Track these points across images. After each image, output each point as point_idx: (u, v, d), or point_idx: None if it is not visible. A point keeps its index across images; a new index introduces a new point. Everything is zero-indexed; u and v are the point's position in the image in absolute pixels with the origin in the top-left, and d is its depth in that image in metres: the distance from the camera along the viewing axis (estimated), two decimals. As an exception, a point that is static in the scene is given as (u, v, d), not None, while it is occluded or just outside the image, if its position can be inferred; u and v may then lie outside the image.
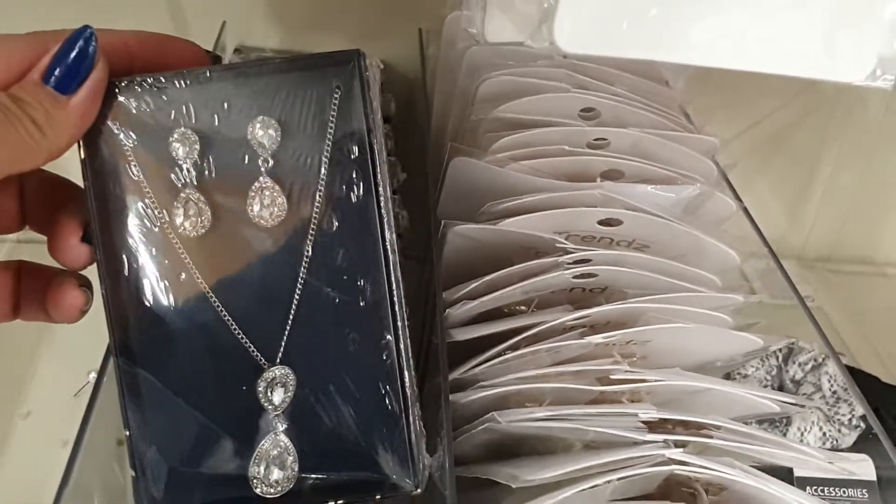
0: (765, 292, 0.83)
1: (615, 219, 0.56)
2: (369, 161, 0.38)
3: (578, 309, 0.52)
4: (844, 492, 0.67)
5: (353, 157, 0.38)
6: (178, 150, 0.38)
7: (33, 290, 0.41)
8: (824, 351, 0.78)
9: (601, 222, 0.56)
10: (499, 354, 0.48)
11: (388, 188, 0.38)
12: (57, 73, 0.36)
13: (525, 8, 0.41)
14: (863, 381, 0.80)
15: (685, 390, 0.48)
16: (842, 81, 0.38)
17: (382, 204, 0.38)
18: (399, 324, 0.39)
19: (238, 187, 0.38)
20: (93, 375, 0.47)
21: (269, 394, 0.39)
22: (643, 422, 0.44)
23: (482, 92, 0.63)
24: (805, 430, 0.70)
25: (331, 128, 0.37)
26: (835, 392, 0.74)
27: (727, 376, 0.76)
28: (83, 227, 0.39)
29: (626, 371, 0.46)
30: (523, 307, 0.57)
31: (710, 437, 0.43)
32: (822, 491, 0.67)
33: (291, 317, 0.39)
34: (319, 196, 0.38)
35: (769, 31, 0.38)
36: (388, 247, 0.38)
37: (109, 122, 0.38)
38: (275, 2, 0.84)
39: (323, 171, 0.38)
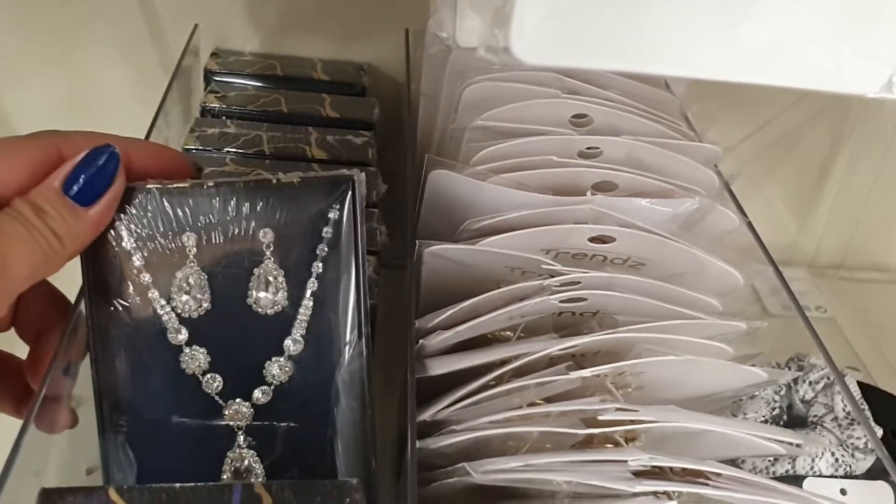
0: (777, 306, 0.78)
1: (608, 236, 0.51)
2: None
3: (566, 336, 0.47)
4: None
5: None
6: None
7: (7, 385, 0.44)
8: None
9: (593, 239, 0.51)
10: (479, 390, 0.44)
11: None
12: (77, 185, 0.38)
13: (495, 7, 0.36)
14: (878, 400, 0.76)
15: (682, 431, 0.44)
16: (853, 93, 0.34)
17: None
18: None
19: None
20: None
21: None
22: (636, 469, 0.40)
23: (466, 98, 0.59)
24: (816, 455, 0.66)
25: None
26: (848, 414, 0.70)
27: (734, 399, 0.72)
28: (67, 362, 0.42)
29: (616, 409, 0.41)
30: (509, 332, 0.52)
31: (708, 484, 0.38)
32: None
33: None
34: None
35: (767, 38, 0.33)
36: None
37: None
38: (253, 3, 0.80)
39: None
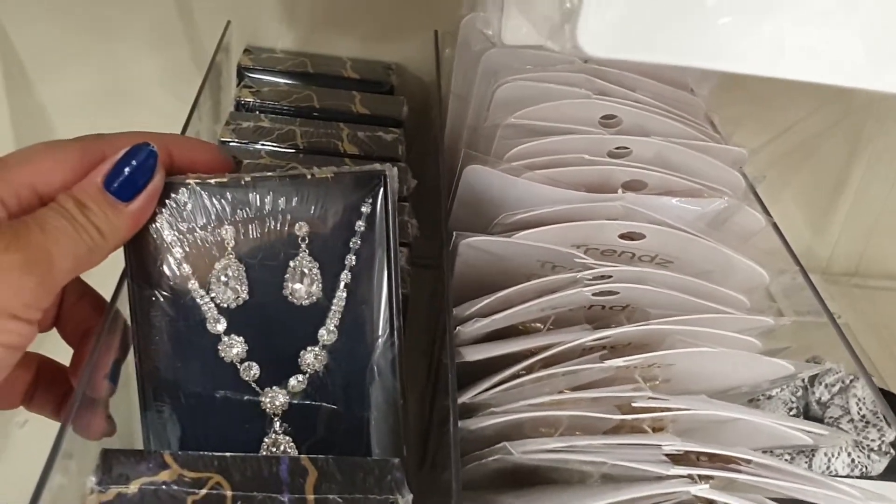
0: (790, 310, 0.80)
1: (637, 232, 0.53)
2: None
3: (598, 329, 0.49)
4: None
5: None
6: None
7: (49, 390, 0.45)
8: (852, 372, 0.75)
9: (622, 236, 0.53)
10: (512, 377, 0.45)
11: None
12: (118, 181, 0.39)
13: (545, 9, 0.38)
14: (892, 404, 0.77)
15: (712, 419, 0.45)
16: (890, 92, 0.35)
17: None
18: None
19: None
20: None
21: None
22: (668, 454, 0.41)
23: (499, 97, 0.61)
24: (833, 455, 0.67)
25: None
26: (863, 416, 0.71)
27: (752, 398, 0.73)
28: (112, 365, 0.43)
29: (649, 398, 0.43)
30: (539, 325, 0.54)
31: (739, 471, 0.40)
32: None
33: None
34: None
35: (810, 38, 0.35)
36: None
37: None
38: (285, 1, 0.81)
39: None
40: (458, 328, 0.48)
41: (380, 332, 0.43)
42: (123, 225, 0.39)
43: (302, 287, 0.43)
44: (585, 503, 0.37)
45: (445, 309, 0.48)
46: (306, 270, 0.43)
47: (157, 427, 0.43)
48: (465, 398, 0.44)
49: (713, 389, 0.50)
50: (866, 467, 0.67)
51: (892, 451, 0.70)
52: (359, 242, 0.43)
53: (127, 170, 0.39)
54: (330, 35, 0.84)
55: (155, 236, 0.42)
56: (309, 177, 0.42)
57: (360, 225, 0.43)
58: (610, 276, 0.50)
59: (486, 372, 0.48)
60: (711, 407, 0.43)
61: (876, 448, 0.68)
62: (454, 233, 0.51)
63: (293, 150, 0.66)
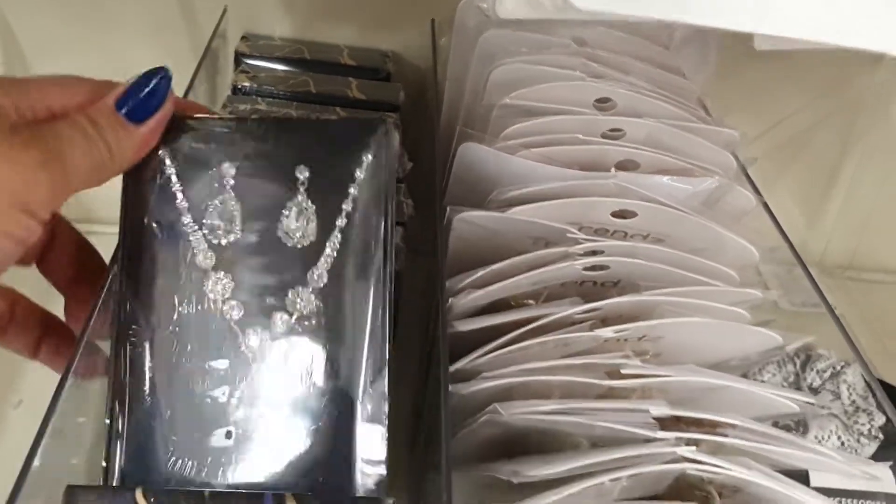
0: (784, 299, 0.80)
1: (630, 211, 0.53)
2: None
3: (586, 303, 0.49)
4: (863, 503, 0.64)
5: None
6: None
7: (24, 326, 0.46)
8: (843, 359, 0.75)
9: (615, 214, 0.53)
10: (504, 345, 0.46)
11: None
12: (129, 104, 0.40)
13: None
14: (882, 392, 0.77)
15: (700, 387, 0.45)
16: (878, 51, 0.36)
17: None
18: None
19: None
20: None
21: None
22: (655, 419, 0.42)
23: (495, 78, 0.61)
24: (823, 438, 0.67)
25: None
26: (854, 402, 0.71)
27: (743, 375, 0.73)
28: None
29: (638, 366, 0.43)
30: (531, 300, 0.54)
31: (726, 435, 0.40)
32: (840, 503, 0.64)
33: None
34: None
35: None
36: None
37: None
38: (283, -12, 0.82)
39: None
40: (450, 300, 0.48)
41: (372, 280, 0.43)
42: (131, 146, 0.40)
43: (298, 226, 0.43)
44: (572, 463, 0.38)
45: (439, 279, 0.48)
46: (304, 211, 0.43)
47: (126, 360, 0.42)
48: (458, 365, 0.45)
49: (703, 362, 0.50)
50: (856, 451, 0.68)
51: (881, 435, 0.70)
52: (357, 189, 0.43)
53: (139, 94, 0.40)
54: (327, 23, 0.84)
55: (155, 166, 0.42)
56: (314, 117, 0.43)
57: (359, 171, 0.43)
58: (601, 252, 0.51)
59: (479, 346, 0.49)
60: (699, 374, 0.43)
61: (866, 433, 0.69)
62: (448, 207, 0.51)
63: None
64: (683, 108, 0.61)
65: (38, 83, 0.40)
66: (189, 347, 0.42)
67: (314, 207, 0.43)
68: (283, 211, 0.42)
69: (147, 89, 0.40)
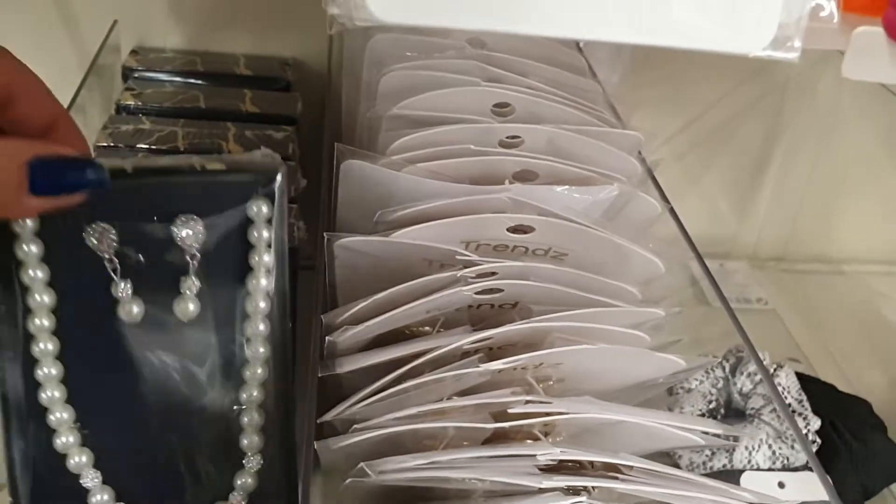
0: (714, 296, 0.77)
1: (527, 226, 0.49)
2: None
3: (482, 329, 0.46)
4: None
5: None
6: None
7: None
8: (776, 360, 0.72)
9: (512, 229, 0.50)
10: (385, 387, 0.42)
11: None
12: (44, 173, 0.34)
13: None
14: (818, 392, 0.75)
15: (602, 422, 0.42)
16: (738, 53, 0.32)
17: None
18: None
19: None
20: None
21: None
22: (548, 461, 0.38)
23: (384, 87, 0.57)
24: (753, 448, 0.64)
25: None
26: (788, 405, 0.68)
27: (670, 391, 0.70)
28: None
29: (527, 402, 0.39)
30: (427, 328, 0.50)
31: (618, 478, 0.37)
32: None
33: None
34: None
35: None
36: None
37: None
38: (172, -3, 0.77)
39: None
40: (327, 338, 0.44)
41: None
42: (10, 207, 0.35)
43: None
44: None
45: (315, 316, 0.44)
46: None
47: None
48: (330, 416, 0.41)
49: (610, 387, 0.47)
50: (788, 458, 0.65)
51: (818, 439, 0.68)
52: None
53: (63, 172, 0.35)
54: (224, 32, 0.80)
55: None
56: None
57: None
58: (494, 273, 0.47)
59: (373, 381, 0.45)
60: (594, 410, 0.40)
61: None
62: (325, 235, 0.47)
63: (174, 153, 0.62)
64: (587, 112, 0.57)
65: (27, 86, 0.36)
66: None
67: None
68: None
69: (72, 178, 0.35)
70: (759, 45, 0.31)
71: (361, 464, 0.37)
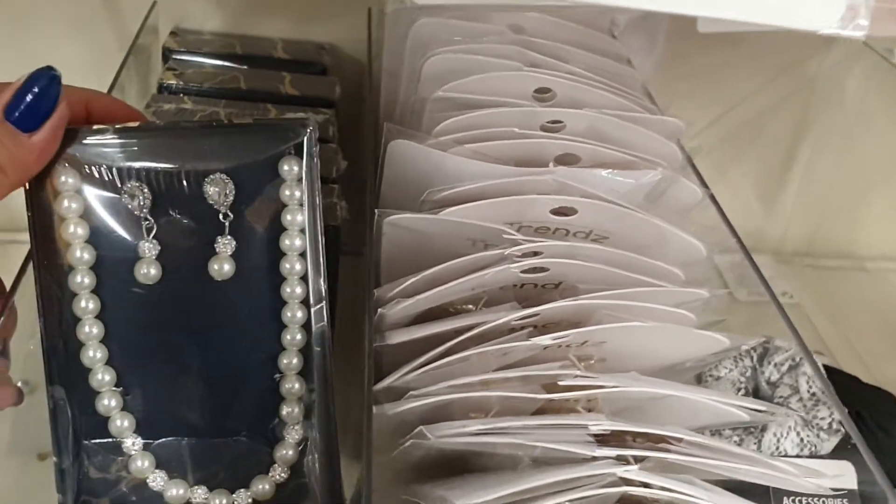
0: (740, 288, 0.78)
1: (570, 208, 0.50)
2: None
3: (526, 307, 0.46)
4: (824, 502, 0.62)
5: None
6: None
7: None
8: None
9: (555, 211, 0.50)
10: (435, 359, 0.43)
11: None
12: (19, 110, 0.36)
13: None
14: (842, 383, 0.75)
15: (645, 396, 0.43)
16: (809, 29, 0.33)
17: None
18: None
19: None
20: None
21: None
22: (596, 434, 0.39)
23: (427, 70, 0.58)
24: (781, 435, 0.65)
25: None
26: (813, 394, 0.69)
27: (699, 378, 0.71)
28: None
29: (576, 376, 0.40)
30: (471, 306, 0.51)
31: (668, 450, 0.37)
32: (801, 502, 0.62)
33: None
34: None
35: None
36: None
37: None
38: (214, -20, 0.78)
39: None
40: (379, 310, 0.45)
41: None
42: (26, 159, 0.36)
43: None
44: (506, 488, 0.35)
45: (367, 290, 0.45)
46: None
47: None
48: (384, 384, 0.42)
49: (649, 367, 0.48)
50: (815, 446, 0.66)
51: (842, 428, 0.68)
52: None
53: (28, 97, 0.36)
54: (261, 16, 0.81)
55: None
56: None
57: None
58: (540, 253, 0.48)
59: (417, 355, 0.46)
60: (641, 383, 0.40)
61: (826, 427, 0.66)
62: (376, 211, 0.48)
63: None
64: (626, 98, 0.58)
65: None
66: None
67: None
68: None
69: (36, 93, 0.36)
70: (827, 22, 0.32)
71: (420, 427, 0.38)
